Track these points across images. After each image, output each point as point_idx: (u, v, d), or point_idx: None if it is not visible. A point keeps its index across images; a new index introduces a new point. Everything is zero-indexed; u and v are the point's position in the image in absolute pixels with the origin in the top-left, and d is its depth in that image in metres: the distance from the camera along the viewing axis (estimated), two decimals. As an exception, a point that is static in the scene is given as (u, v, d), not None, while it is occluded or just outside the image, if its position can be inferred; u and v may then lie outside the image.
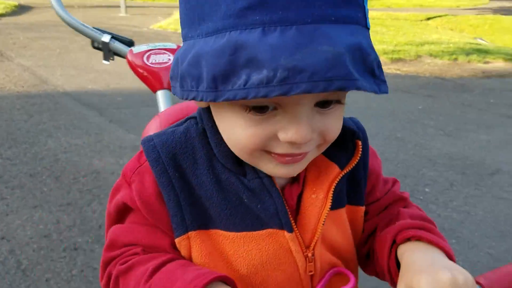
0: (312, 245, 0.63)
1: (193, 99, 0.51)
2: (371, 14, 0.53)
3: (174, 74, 0.55)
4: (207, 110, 0.61)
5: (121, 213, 0.63)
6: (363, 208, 0.69)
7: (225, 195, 0.60)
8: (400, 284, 0.55)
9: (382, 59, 6.49)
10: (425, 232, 0.61)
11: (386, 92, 0.49)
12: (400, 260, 0.60)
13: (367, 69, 0.48)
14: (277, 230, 0.61)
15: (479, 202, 2.75)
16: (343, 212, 0.67)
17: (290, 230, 0.60)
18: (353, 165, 0.64)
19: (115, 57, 1.21)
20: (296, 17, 0.45)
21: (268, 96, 0.44)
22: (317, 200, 0.62)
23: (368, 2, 0.52)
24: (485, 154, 3.47)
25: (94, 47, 1.21)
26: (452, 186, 2.93)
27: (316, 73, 0.44)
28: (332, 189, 0.62)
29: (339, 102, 0.54)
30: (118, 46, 1.18)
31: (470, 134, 3.92)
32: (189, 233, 0.60)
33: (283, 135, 0.52)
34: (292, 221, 0.61)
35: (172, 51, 1.19)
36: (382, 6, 15.86)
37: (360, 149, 0.64)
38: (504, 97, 5.23)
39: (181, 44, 0.58)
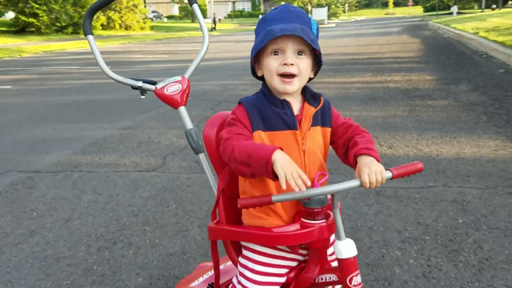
0: (304, 139, 1.24)
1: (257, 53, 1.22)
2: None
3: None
4: (262, 78, 1.28)
5: (233, 122, 1.25)
6: (329, 129, 1.30)
7: (273, 115, 1.22)
8: (356, 174, 1.15)
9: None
10: (367, 150, 1.18)
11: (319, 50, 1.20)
12: (358, 162, 1.19)
13: (311, 39, 1.16)
14: (291, 131, 1.22)
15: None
16: (319, 129, 1.28)
17: (296, 129, 1.23)
18: (320, 107, 1.27)
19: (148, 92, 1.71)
20: (287, 24, 1.17)
21: (279, 34, 1.13)
22: (306, 121, 1.24)
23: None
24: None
25: (133, 88, 1.70)
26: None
27: (296, 30, 1.13)
28: (311, 117, 1.25)
29: (304, 56, 1.20)
30: (147, 86, 1.66)
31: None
32: (256, 132, 1.22)
33: (285, 60, 1.18)
34: (298, 126, 1.23)
35: (180, 81, 1.65)
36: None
37: (323, 100, 1.28)
38: None
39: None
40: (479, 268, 1.99)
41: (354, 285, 1.19)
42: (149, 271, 2.10)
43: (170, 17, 71.35)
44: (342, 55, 11.62)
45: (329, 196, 1.24)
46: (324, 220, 1.21)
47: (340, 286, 1.31)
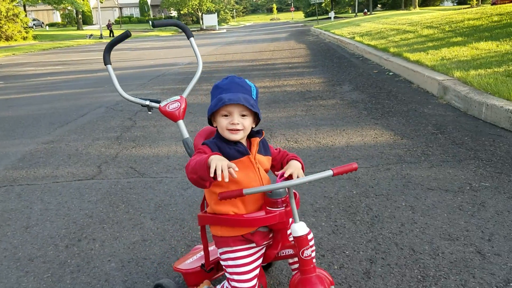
0: (255, 159, 1.61)
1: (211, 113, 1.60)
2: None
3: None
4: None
5: (197, 153, 1.57)
6: (270, 157, 1.70)
7: (230, 149, 1.56)
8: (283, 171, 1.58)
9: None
10: (295, 157, 1.68)
11: (259, 115, 1.60)
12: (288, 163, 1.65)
13: (251, 105, 1.54)
14: (245, 156, 1.58)
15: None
16: (263, 156, 1.65)
17: (249, 154, 1.58)
18: (262, 138, 1.65)
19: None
20: (233, 94, 1.55)
21: (228, 103, 1.51)
22: (254, 146, 1.62)
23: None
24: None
25: (143, 106, 2.05)
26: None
27: (240, 100, 1.51)
28: (257, 144, 1.63)
29: (247, 116, 1.56)
30: (153, 104, 2.02)
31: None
32: None
33: (232, 121, 1.54)
34: (250, 152, 1.60)
35: (178, 100, 1.99)
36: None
37: (264, 134, 1.66)
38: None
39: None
40: (371, 223, 2.69)
41: (305, 257, 1.53)
42: (119, 257, 2.49)
43: (52, 25, 66.84)
44: (241, 62, 12.37)
45: (287, 189, 1.56)
46: (284, 208, 1.56)
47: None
